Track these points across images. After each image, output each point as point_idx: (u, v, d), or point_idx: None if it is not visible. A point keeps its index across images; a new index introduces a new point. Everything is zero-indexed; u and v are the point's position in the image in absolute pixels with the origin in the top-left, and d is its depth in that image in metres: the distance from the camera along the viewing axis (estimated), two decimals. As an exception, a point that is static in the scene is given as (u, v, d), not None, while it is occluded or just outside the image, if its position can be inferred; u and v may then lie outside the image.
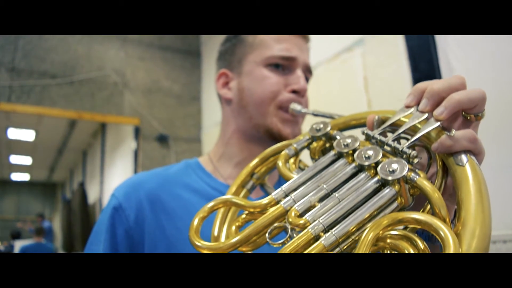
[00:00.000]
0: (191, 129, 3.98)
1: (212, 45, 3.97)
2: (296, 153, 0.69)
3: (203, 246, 0.56)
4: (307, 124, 1.01)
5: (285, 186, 0.60)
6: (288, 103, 0.92)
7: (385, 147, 0.57)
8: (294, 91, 0.93)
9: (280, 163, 0.66)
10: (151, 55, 3.92)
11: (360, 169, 0.57)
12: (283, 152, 0.68)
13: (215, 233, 0.62)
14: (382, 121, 0.63)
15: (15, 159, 4.41)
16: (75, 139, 4.32)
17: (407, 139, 0.57)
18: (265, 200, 0.59)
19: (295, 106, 0.91)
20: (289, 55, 0.93)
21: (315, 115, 0.87)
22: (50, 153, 4.59)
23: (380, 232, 0.47)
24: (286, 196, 0.58)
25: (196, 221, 0.59)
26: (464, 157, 0.50)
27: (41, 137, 4.11)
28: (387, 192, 0.51)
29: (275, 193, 0.59)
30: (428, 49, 1.67)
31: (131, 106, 3.66)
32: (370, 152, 0.56)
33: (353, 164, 0.58)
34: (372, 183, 0.53)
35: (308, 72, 0.99)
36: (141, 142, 3.65)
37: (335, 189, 0.56)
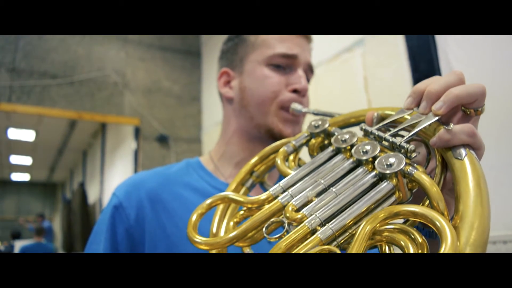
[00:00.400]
0: (191, 129, 3.99)
1: (212, 45, 3.97)
2: (295, 150, 0.69)
3: (201, 241, 0.56)
4: (308, 123, 1.01)
5: (282, 182, 0.60)
6: (289, 103, 0.92)
7: (383, 142, 0.57)
8: (295, 91, 0.92)
9: (278, 160, 0.66)
10: (151, 55, 3.92)
11: (358, 164, 0.56)
12: (281, 149, 0.69)
13: (214, 230, 0.62)
14: (381, 118, 0.63)
15: (15, 159, 4.41)
16: (75, 139, 4.32)
17: (405, 136, 0.57)
18: (262, 196, 0.59)
19: (296, 106, 0.91)
20: (291, 53, 0.93)
21: (316, 114, 0.87)
22: (50, 153, 4.59)
23: (377, 225, 0.46)
24: (284, 191, 0.58)
25: (194, 217, 0.59)
26: (463, 151, 0.49)
27: (41, 137, 4.11)
28: (384, 186, 0.51)
29: (273, 189, 0.59)
30: (428, 49, 1.67)
31: (131, 106, 3.66)
32: (367, 147, 0.56)
33: (351, 160, 0.58)
34: (369, 178, 0.53)
35: (310, 71, 0.99)
36: (141, 142, 3.65)
37: (332, 184, 0.55)
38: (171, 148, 3.77)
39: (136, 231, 0.84)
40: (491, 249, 1.39)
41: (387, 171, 0.50)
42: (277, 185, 0.60)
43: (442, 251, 0.39)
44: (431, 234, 0.52)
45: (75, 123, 3.87)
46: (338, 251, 0.45)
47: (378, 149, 0.54)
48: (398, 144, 0.53)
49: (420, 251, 0.44)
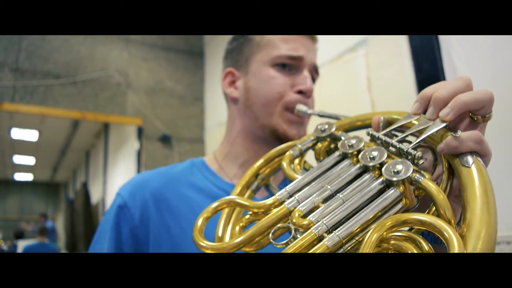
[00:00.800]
0: (194, 130, 3.98)
1: (215, 45, 3.97)
2: (301, 154, 0.69)
3: (207, 246, 0.56)
4: (313, 125, 1.00)
5: (289, 187, 0.59)
6: (294, 104, 0.92)
7: (390, 148, 0.56)
8: (300, 92, 0.92)
9: (284, 163, 0.66)
10: (154, 55, 3.92)
11: (365, 170, 0.56)
12: (287, 153, 0.68)
13: (219, 234, 0.62)
14: (387, 122, 0.63)
15: (18, 159, 4.42)
16: (78, 139, 4.32)
17: (412, 142, 0.56)
18: (269, 201, 0.59)
19: (301, 107, 0.91)
20: (296, 55, 0.92)
21: (321, 116, 0.87)
22: (53, 153, 4.59)
23: (384, 233, 0.46)
24: (290, 196, 0.58)
25: (200, 221, 0.59)
26: (470, 158, 0.49)
27: (44, 137, 4.11)
28: (391, 193, 0.51)
29: (279, 194, 0.59)
30: (432, 49, 1.66)
31: (134, 107, 3.66)
32: (374, 153, 0.55)
33: (358, 165, 0.57)
34: (376, 184, 0.53)
35: (315, 72, 0.99)
36: (144, 142, 3.65)
37: (339, 190, 0.55)
38: (174, 148, 3.77)
39: (141, 231, 0.84)
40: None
41: (394, 178, 0.50)
42: (283, 190, 0.60)
43: None
44: (436, 239, 0.52)
45: (78, 123, 3.87)
46: None
47: (385, 155, 0.54)
48: (405, 150, 0.53)
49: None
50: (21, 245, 4.05)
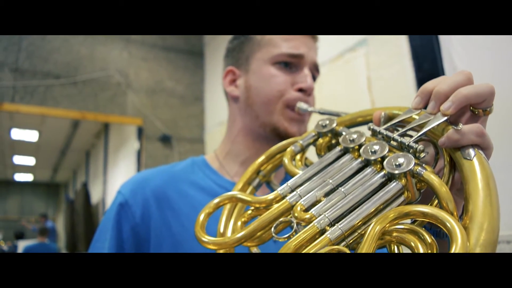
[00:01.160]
0: (194, 130, 3.98)
1: (215, 45, 3.97)
2: (302, 150, 0.69)
3: (209, 241, 0.56)
4: (313, 123, 1.00)
5: (290, 182, 0.60)
6: (294, 102, 0.92)
7: (392, 142, 0.57)
8: (301, 90, 0.93)
9: (286, 159, 0.66)
10: (154, 55, 3.92)
11: (366, 163, 0.56)
12: (288, 149, 0.69)
13: (221, 229, 0.62)
14: (388, 118, 0.63)
15: (18, 159, 4.42)
16: (78, 140, 4.32)
17: (413, 136, 0.56)
18: (270, 196, 0.59)
19: (302, 105, 0.91)
20: (297, 53, 0.92)
21: (322, 113, 0.87)
22: (54, 153, 4.59)
23: (387, 226, 0.46)
24: (292, 191, 0.58)
25: (202, 217, 0.59)
26: (471, 151, 0.49)
27: (45, 138, 4.12)
28: (393, 186, 0.51)
29: (281, 189, 0.59)
30: (432, 49, 1.66)
31: (134, 107, 3.66)
32: (376, 147, 0.55)
33: (359, 159, 0.58)
34: (378, 178, 0.53)
35: (315, 70, 0.99)
36: (144, 142, 3.65)
37: (341, 184, 0.55)
38: (174, 148, 3.77)
39: (142, 229, 0.84)
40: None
41: (396, 171, 0.50)
42: (285, 184, 0.60)
43: (452, 251, 0.39)
44: (439, 233, 0.52)
45: (78, 123, 3.87)
46: (347, 251, 0.45)
47: (387, 149, 0.54)
48: (406, 144, 0.54)
49: (429, 251, 0.44)
50: (21, 245, 4.05)
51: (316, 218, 0.50)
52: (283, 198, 0.58)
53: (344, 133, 0.65)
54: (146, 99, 3.75)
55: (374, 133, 0.61)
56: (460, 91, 0.52)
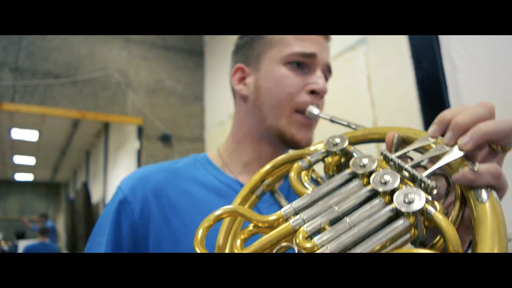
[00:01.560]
0: (194, 129, 3.99)
1: (215, 44, 3.97)
2: (310, 166, 0.67)
3: None
4: (320, 128, 0.99)
5: (295, 203, 0.58)
6: (305, 106, 0.89)
7: (404, 172, 0.54)
8: (312, 92, 0.90)
9: (292, 175, 0.64)
10: (154, 54, 3.92)
11: (375, 193, 0.54)
12: (296, 165, 0.66)
13: (220, 242, 0.61)
14: (402, 141, 0.62)
15: (18, 159, 4.42)
16: (79, 139, 4.33)
17: (426, 168, 0.55)
18: (273, 216, 0.57)
19: (312, 110, 0.88)
20: (309, 51, 0.90)
21: (332, 121, 0.84)
22: (54, 153, 4.60)
23: None
24: (296, 213, 0.57)
25: (200, 233, 0.57)
26: (485, 194, 0.47)
27: (45, 137, 4.12)
28: (401, 223, 0.49)
29: (284, 210, 0.57)
30: (432, 47, 1.66)
31: (134, 106, 3.66)
32: (387, 177, 0.53)
33: (368, 187, 0.55)
34: (386, 211, 0.51)
35: (328, 71, 0.97)
36: (144, 141, 3.65)
37: (347, 213, 0.53)
38: (174, 148, 3.78)
39: (140, 227, 0.84)
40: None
41: (406, 209, 0.48)
42: (289, 205, 0.58)
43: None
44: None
45: (78, 123, 3.88)
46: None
47: (398, 181, 0.52)
48: (419, 178, 0.52)
49: None
50: (22, 245, 4.06)
51: (319, 248, 0.49)
52: (286, 219, 0.56)
53: (355, 155, 0.63)
54: (146, 99, 3.75)
55: (386, 160, 0.58)
56: (480, 127, 0.50)
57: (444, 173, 0.56)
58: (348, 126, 0.78)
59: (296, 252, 0.50)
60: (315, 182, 0.71)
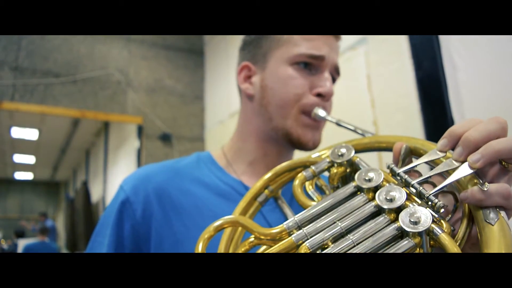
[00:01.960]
0: (194, 128, 3.98)
1: (215, 44, 3.97)
2: (314, 176, 0.66)
3: None
4: (327, 129, 0.98)
5: (298, 217, 0.57)
6: (312, 108, 0.88)
7: (410, 188, 0.53)
8: (319, 94, 0.89)
9: (296, 185, 0.64)
10: (154, 54, 3.92)
11: (380, 210, 0.53)
12: (300, 175, 0.66)
13: (222, 251, 0.60)
14: (409, 151, 0.61)
15: (18, 158, 4.42)
16: (78, 138, 4.32)
17: (434, 183, 0.54)
18: (275, 229, 0.57)
19: (319, 112, 0.87)
20: (318, 54, 0.88)
21: (339, 125, 0.84)
22: (54, 152, 4.59)
23: None
24: (299, 228, 0.56)
25: (200, 246, 0.56)
26: (494, 215, 0.46)
27: (45, 136, 4.12)
28: (405, 243, 0.48)
29: (287, 223, 0.57)
30: (432, 47, 1.66)
31: (134, 105, 3.66)
32: (393, 194, 0.52)
33: (373, 203, 0.54)
34: (390, 230, 0.50)
35: (336, 73, 0.95)
36: (144, 141, 3.65)
37: (350, 229, 0.52)
38: (174, 147, 3.77)
39: (142, 227, 0.83)
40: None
41: (411, 230, 0.47)
42: (292, 219, 0.57)
43: None
44: None
45: (78, 122, 3.87)
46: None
47: (404, 198, 0.51)
48: (426, 196, 0.51)
49: None
50: (22, 244, 4.06)
51: None
52: (289, 233, 0.56)
53: (361, 167, 0.61)
54: (146, 98, 3.75)
55: (393, 174, 0.57)
56: (491, 144, 0.49)
57: (452, 189, 0.55)
58: (355, 131, 0.77)
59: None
60: (320, 189, 0.70)
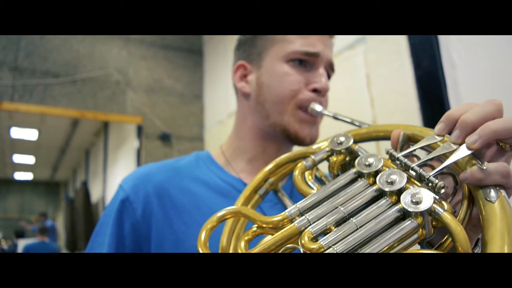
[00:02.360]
0: (194, 128, 3.98)
1: (214, 44, 3.97)
2: (314, 165, 0.66)
3: None
4: (324, 125, 0.99)
5: (300, 204, 0.57)
6: (308, 103, 0.89)
7: (410, 171, 0.54)
8: (315, 90, 0.90)
9: (296, 174, 0.64)
10: (153, 54, 3.92)
11: (381, 193, 0.54)
12: (300, 164, 0.66)
13: (224, 243, 0.60)
14: (407, 138, 0.61)
15: (18, 158, 4.42)
16: (78, 138, 4.33)
17: (433, 166, 0.54)
18: (278, 217, 0.57)
19: (315, 107, 0.88)
20: (313, 51, 0.89)
21: (336, 118, 0.84)
22: (53, 152, 4.60)
23: None
24: (301, 214, 0.56)
25: (203, 234, 0.56)
26: (494, 193, 0.47)
27: (44, 136, 4.12)
28: (408, 224, 0.48)
29: (289, 210, 0.57)
30: (431, 46, 1.66)
31: (133, 105, 3.66)
32: (393, 177, 0.52)
33: (374, 187, 0.54)
34: (393, 212, 0.50)
35: (330, 69, 0.96)
36: (143, 140, 3.65)
37: (353, 214, 0.53)
38: (174, 147, 3.78)
39: (142, 226, 0.83)
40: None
41: (413, 210, 0.48)
42: (293, 206, 0.57)
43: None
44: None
45: (78, 122, 3.87)
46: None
47: (405, 181, 0.51)
48: (426, 177, 0.51)
49: None
50: (22, 244, 4.06)
51: (325, 249, 0.48)
52: (291, 220, 0.56)
53: (360, 154, 0.62)
54: (145, 98, 3.75)
55: (392, 159, 0.57)
56: (488, 125, 0.49)
57: (452, 171, 0.55)
58: (352, 123, 0.78)
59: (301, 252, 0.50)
60: (319, 181, 0.70)
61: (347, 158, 0.65)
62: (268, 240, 0.54)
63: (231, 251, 0.59)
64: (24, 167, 4.71)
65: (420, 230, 0.49)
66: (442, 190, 0.50)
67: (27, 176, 4.90)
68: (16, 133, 3.88)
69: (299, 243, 0.51)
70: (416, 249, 0.49)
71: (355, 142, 0.66)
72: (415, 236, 0.49)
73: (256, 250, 0.54)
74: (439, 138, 0.55)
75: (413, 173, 0.53)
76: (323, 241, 0.49)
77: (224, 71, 3.63)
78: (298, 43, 0.89)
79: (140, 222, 0.83)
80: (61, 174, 5.02)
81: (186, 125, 3.94)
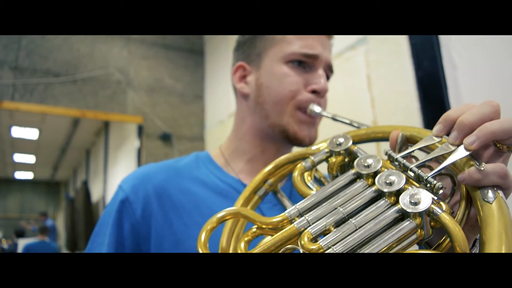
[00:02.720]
0: (194, 128, 3.98)
1: (215, 44, 3.97)
2: (313, 166, 0.66)
3: None
4: (323, 126, 0.99)
5: (299, 205, 0.57)
6: (307, 104, 0.89)
7: (409, 172, 0.54)
8: (314, 91, 0.90)
9: (295, 175, 0.64)
10: (154, 53, 3.92)
11: (380, 194, 0.54)
12: (299, 165, 0.66)
13: (223, 244, 0.61)
14: (406, 139, 0.61)
15: (18, 157, 4.42)
16: (79, 138, 4.32)
17: (431, 167, 0.55)
18: (277, 218, 0.57)
19: (314, 108, 0.88)
20: (312, 53, 0.90)
21: (335, 119, 0.85)
22: (54, 151, 4.59)
23: None
24: (300, 215, 0.56)
25: (203, 235, 0.57)
26: (491, 194, 0.47)
27: (45, 136, 4.12)
28: (407, 224, 0.49)
29: (288, 211, 0.57)
30: (431, 47, 1.66)
31: (134, 105, 3.66)
32: (392, 178, 0.53)
33: (373, 188, 0.55)
34: (392, 212, 0.51)
35: (329, 70, 0.97)
36: (144, 140, 3.65)
37: (352, 214, 0.53)
38: (174, 147, 3.78)
39: (142, 227, 0.83)
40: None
41: (412, 210, 0.48)
42: (293, 207, 0.58)
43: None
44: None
45: (78, 122, 3.87)
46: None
47: (403, 182, 0.52)
48: (424, 178, 0.51)
49: None
50: (22, 244, 4.06)
51: (324, 250, 0.48)
52: (291, 221, 0.56)
53: (359, 155, 0.62)
54: (146, 97, 3.75)
55: (391, 160, 0.58)
56: (486, 126, 0.50)
57: (450, 172, 0.56)
58: (351, 124, 0.78)
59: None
60: (319, 182, 0.70)
61: (346, 159, 0.66)
62: (267, 241, 0.55)
63: (231, 252, 0.59)
64: (25, 166, 4.71)
65: (419, 230, 0.49)
66: (441, 191, 0.50)
67: (28, 175, 4.89)
68: (17, 132, 3.88)
69: (299, 243, 0.51)
70: (414, 249, 0.49)
71: (354, 143, 0.67)
72: (414, 236, 0.49)
73: (256, 250, 0.54)
74: (437, 139, 0.56)
75: (412, 174, 0.54)
76: (322, 241, 0.50)
77: (225, 71, 3.63)
78: (297, 45, 0.90)
79: (140, 223, 0.83)
80: (62, 173, 5.02)
81: (187, 125, 3.94)
